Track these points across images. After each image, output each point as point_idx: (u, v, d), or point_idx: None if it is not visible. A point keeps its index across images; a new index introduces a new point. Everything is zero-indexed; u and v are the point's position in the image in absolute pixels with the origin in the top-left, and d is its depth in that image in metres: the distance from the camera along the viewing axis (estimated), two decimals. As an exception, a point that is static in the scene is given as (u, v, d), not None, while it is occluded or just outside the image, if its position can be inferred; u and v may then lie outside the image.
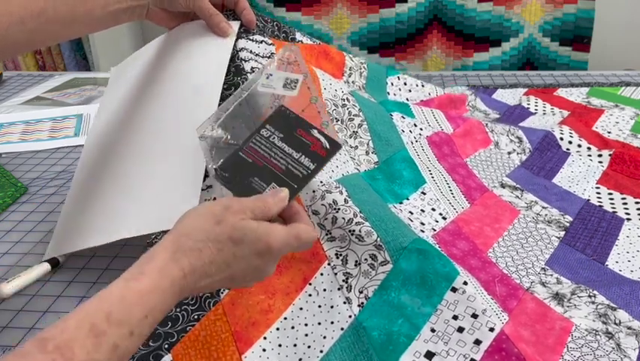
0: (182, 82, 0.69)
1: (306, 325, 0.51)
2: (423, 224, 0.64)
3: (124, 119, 0.70)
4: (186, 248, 0.42)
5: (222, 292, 0.55)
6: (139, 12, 0.69)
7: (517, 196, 0.74)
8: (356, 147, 0.71)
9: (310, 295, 0.54)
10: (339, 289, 0.53)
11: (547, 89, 1.10)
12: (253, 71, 0.69)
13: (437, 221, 0.66)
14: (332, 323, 0.51)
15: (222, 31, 0.71)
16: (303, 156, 0.50)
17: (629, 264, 0.61)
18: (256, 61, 0.71)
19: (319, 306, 0.53)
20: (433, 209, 0.67)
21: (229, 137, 0.53)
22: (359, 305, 0.51)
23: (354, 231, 0.55)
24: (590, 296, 0.56)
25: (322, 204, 0.57)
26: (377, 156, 0.71)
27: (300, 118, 0.52)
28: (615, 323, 0.52)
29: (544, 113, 0.99)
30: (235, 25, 0.73)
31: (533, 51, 1.69)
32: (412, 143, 0.76)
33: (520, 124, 0.94)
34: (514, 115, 0.99)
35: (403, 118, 0.80)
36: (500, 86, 1.13)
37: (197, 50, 0.71)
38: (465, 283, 0.51)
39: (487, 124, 0.88)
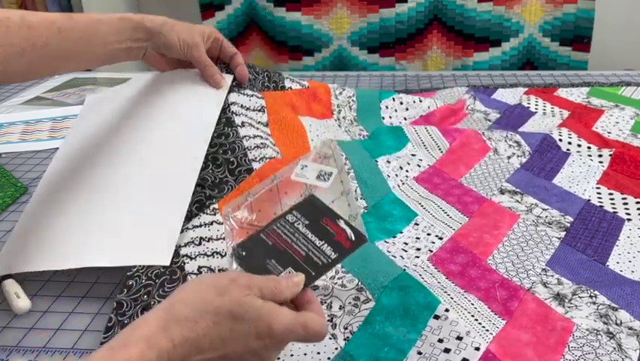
0: (172, 125, 0.70)
1: (292, 355, 0.52)
2: (419, 249, 0.65)
3: (103, 147, 0.70)
4: (180, 317, 0.39)
5: None
6: (136, 53, 0.72)
7: (517, 200, 0.74)
8: (346, 172, 0.72)
9: None
10: None
11: (548, 88, 1.10)
12: (243, 125, 0.72)
13: (433, 242, 0.66)
14: (318, 353, 0.51)
15: (216, 82, 0.74)
16: (326, 245, 0.48)
17: (629, 264, 0.61)
18: (246, 115, 0.74)
19: None
20: (429, 234, 0.68)
21: (254, 218, 0.53)
22: (344, 339, 0.52)
23: (336, 283, 0.57)
24: (590, 297, 0.56)
25: None
26: (365, 201, 0.73)
27: (329, 208, 0.51)
28: (616, 324, 0.52)
29: (544, 113, 0.99)
30: (228, 79, 0.76)
31: (533, 51, 1.69)
32: (399, 186, 0.77)
33: (520, 128, 0.94)
34: (514, 114, 0.99)
35: (388, 163, 0.81)
36: (500, 85, 1.13)
37: (190, 96, 0.73)
38: (447, 310, 0.52)
39: (483, 132, 0.88)
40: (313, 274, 0.46)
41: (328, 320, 0.54)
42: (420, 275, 0.59)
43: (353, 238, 0.48)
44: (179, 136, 0.68)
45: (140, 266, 0.57)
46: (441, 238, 0.67)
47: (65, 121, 1.06)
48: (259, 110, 0.77)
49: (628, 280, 0.59)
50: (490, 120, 0.98)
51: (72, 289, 0.61)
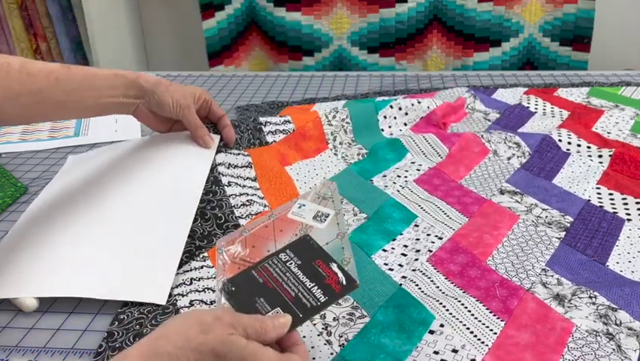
0: (166, 181, 0.73)
1: None
2: (418, 251, 0.65)
3: (99, 192, 0.72)
4: (163, 352, 0.39)
5: None
6: (128, 108, 0.75)
7: (517, 201, 0.74)
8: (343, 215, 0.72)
9: None
10: (319, 334, 0.53)
11: (548, 89, 1.10)
12: (230, 185, 0.74)
13: (433, 242, 0.66)
14: (314, 358, 0.51)
15: (205, 143, 0.78)
16: (316, 287, 0.48)
17: (629, 265, 0.61)
18: (232, 175, 0.76)
19: None
20: (428, 234, 0.68)
21: (247, 253, 0.53)
22: (340, 345, 0.52)
23: None
24: (590, 297, 0.56)
25: None
26: (365, 213, 0.73)
27: (322, 250, 0.51)
28: (616, 324, 0.52)
29: (544, 113, 0.99)
30: (216, 139, 0.80)
31: (533, 51, 1.69)
32: (398, 191, 0.78)
33: (520, 128, 0.94)
34: (513, 114, 0.99)
35: (384, 177, 0.81)
36: (500, 85, 1.13)
37: (182, 156, 0.76)
38: (442, 325, 0.53)
39: (482, 135, 0.88)
40: (301, 316, 0.46)
41: (323, 329, 0.54)
42: (417, 285, 0.59)
43: (344, 282, 0.48)
44: (173, 191, 0.71)
45: (131, 303, 0.58)
46: (441, 238, 0.67)
47: (65, 121, 1.06)
48: (247, 167, 0.79)
49: (628, 280, 0.59)
50: (489, 120, 0.98)
51: (72, 289, 0.61)
